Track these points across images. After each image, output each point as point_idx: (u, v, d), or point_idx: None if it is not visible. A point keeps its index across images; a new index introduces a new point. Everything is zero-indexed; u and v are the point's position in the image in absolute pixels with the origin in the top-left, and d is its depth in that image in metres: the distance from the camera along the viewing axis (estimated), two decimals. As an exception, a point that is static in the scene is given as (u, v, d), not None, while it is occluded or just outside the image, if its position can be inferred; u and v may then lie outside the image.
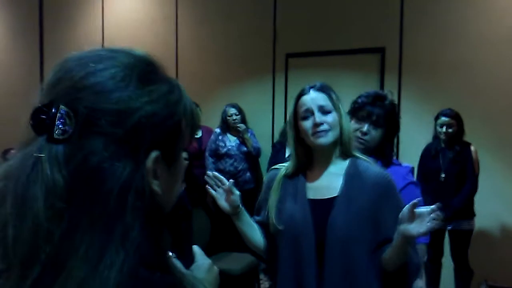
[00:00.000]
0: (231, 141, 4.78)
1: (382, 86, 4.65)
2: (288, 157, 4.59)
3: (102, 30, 6.21)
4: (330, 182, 1.62)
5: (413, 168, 2.17)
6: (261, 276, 4.43)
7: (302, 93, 1.65)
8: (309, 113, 1.60)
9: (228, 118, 4.75)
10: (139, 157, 0.59)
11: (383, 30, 4.67)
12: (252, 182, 4.79)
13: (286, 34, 5.13)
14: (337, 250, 1.52)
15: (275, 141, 4.98)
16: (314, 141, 1.60)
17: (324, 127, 1.58)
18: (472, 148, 3.83)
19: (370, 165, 1.64)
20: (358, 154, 1.68)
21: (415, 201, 1.40)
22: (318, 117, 1.58)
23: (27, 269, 0.54)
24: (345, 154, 1.65)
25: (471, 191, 3.80)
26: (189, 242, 0.71)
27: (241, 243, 1.80)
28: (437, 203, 1.39)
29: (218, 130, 4.82)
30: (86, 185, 0.56)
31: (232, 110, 4.78)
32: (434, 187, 3.82)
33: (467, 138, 3.88)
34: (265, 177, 1.80)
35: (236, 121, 4.76)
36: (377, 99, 2.06)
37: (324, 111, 1.59)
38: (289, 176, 1.68)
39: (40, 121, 0.56)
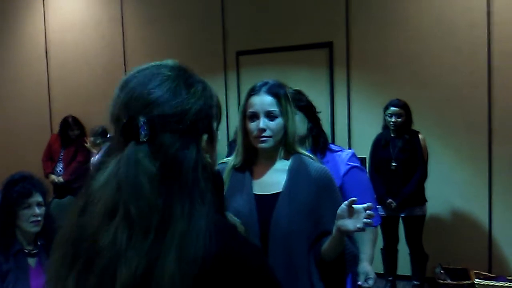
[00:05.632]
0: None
1: (331, 80, 4.72)
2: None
3: (45, 33, 5.99)
4: (274, 178, 1.67)
5: (354, 153, 2.19)
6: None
7: (253, 92, 1.68)
8: (255, 116, 1.64)
9: None
10: (198, 142, 0.86)
11: (330, 25, 4.74)
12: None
13: (235, 32, 5.12)
14: (280, 244, 1.57)
15: (230, 139, 4.97)
16: (256, 145, 1.66)
17: (267, 133, 1.63)
18: (421, 136, 3.95)
19: (311, 161, 1.70)
20: (301, 150, 1.72)
21: (353, 198, 1.47)
22: (263, 123, 1.62)
23: (147, 232, 0.77)
24: (290, 152, 1.70)
25: (422, 178, 3.92)
26: (223, 200, 1.06)
27: None
28: (368, 203, 1.46)
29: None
30: (171, 169, 0.81)
31: None
32: (386, 176, 3.92)
33: (415, 127, 4.00)
34: None
35: None
36: None
37: (270, 116, 1.63)
38: (237, 169, 1.71)
39: (128, 131, 0.82)
